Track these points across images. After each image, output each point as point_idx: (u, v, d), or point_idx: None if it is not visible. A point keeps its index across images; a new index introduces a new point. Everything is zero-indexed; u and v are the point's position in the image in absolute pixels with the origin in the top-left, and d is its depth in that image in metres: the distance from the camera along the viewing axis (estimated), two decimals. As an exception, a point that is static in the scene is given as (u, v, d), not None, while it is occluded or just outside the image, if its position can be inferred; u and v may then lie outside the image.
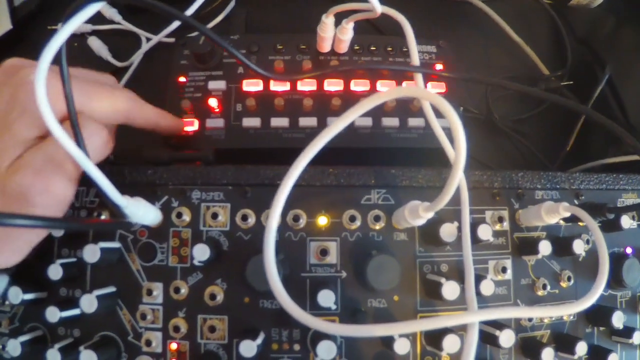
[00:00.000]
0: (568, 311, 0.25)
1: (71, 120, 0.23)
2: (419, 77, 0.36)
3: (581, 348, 0.31)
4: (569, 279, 0.33)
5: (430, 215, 0.28)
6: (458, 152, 0.21)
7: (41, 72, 0.21)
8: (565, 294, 0.33)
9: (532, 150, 0.47)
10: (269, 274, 0.24)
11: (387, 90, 0.25)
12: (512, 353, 0.32)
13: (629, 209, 0.30)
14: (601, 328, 0.34)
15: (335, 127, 0.26)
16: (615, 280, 0.34)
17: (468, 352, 0.22)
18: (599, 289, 0.26)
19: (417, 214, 0.28)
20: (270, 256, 0.24)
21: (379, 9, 0.33)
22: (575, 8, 0.53)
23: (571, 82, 0.48)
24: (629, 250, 0.35)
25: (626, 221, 0.33)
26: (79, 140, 0.23)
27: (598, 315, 0.33)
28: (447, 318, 0.23)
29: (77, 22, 0.21)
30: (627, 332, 0.33)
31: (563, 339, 0.32)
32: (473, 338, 0.22)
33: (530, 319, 0.32)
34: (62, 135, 0.21)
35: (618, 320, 0.32)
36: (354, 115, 0.26)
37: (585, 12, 0.53)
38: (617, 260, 0.34)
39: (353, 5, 0.35)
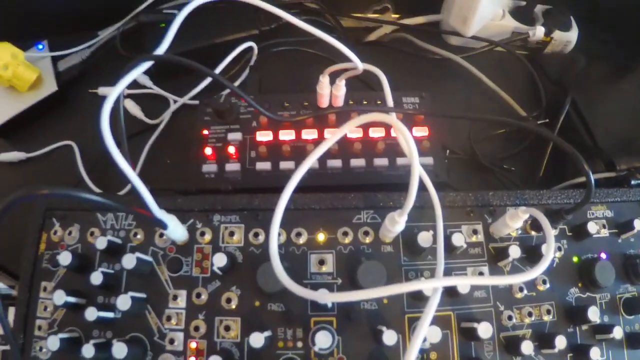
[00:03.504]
0: (521, 279, 0.29)
1: (122, 148, 0.31)
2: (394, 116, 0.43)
3: (560, 341, 0.34)
4: (544, 282, 0.37)
5: (404, 218, 0.33)
6: (409, 146, 0.28)
7: (105, 113, 0.29)
8: (542, 295, 0.37)
9: (513, 182, 0.52)
10: (271, 251, 0.29)
11: (357, 118, 0.32)
12: (496, 351, 0.35)
13: (583, 203, 0.34)
14: (583, 327, 0.36)
15: (321, 148, 0.33)
16: (591, 281, 0.37)
17: (428, 311, 0.26)
18: (549, 256, 0.30)
19: (394, 220, 0.34)
20: (274, 244, 0.30)
21: (361, 65, 0.42)
22: (549, 55, 0.60)
23: (547, 120, 0.54)
24: (603, 255, 0.39)
25: (592, 227, 0.37)
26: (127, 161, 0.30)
27: (576, 313, 0.36)
28: (416, 282, 0.27)
29: (133, 75, 0.29)
30: (607, 328, 0.36)
31: (544, 337, 0.35)
32: (435, 300, 0.27)
33: (510, 318, 0.36)
34: (118, 156, 0.28)
35: (593, 314, 0.35)
36: (339, 135, 0.33)
37: (559, 57, 0.61)
38: (591, 264, 0.37)
39: (343, 65, 0.44)
